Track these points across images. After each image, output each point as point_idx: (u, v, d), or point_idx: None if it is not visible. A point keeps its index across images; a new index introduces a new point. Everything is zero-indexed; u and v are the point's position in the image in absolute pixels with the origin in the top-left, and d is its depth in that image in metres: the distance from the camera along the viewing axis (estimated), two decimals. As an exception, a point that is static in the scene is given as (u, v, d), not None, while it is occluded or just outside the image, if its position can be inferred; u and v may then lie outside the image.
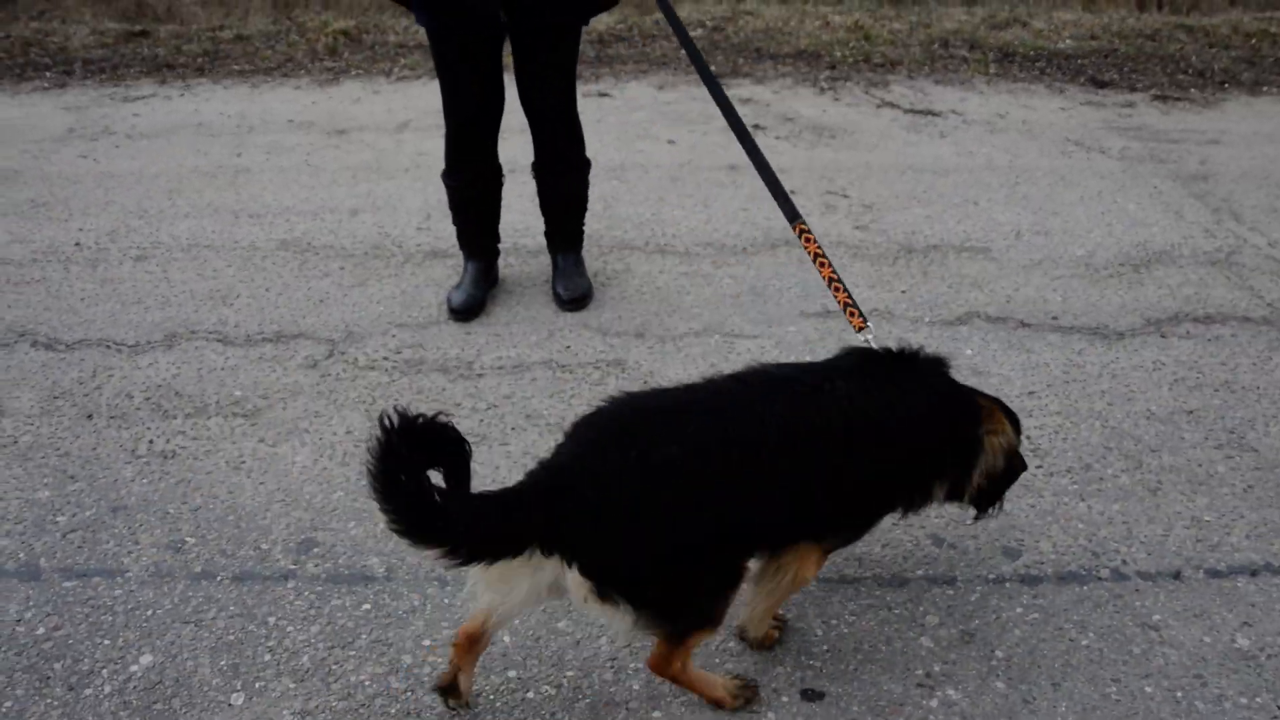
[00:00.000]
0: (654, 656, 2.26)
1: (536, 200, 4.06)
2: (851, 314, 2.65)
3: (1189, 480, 3.19)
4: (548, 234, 4.07)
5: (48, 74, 6.92)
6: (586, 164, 3.96)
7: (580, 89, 6.40)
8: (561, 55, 3.65)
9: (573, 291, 3.98)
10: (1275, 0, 10.24)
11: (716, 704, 2.38)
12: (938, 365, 2.46)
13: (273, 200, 4.96)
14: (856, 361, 2.42)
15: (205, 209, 4.85)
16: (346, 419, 3.40)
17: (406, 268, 4.32)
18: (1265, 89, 6.97)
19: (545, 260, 4.24)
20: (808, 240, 2.76)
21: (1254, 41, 7.99)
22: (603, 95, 6.34)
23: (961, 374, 3.62)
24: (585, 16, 3.61)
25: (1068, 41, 7.89)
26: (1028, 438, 3.30)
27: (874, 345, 2.49)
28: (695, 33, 7.69)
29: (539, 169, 3.93)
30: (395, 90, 6.63)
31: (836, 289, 2.69)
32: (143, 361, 3.69)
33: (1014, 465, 2.57)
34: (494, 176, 3.87)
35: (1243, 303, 4.20)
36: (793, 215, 2.81)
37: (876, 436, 2.26)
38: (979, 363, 3.74)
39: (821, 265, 2.74)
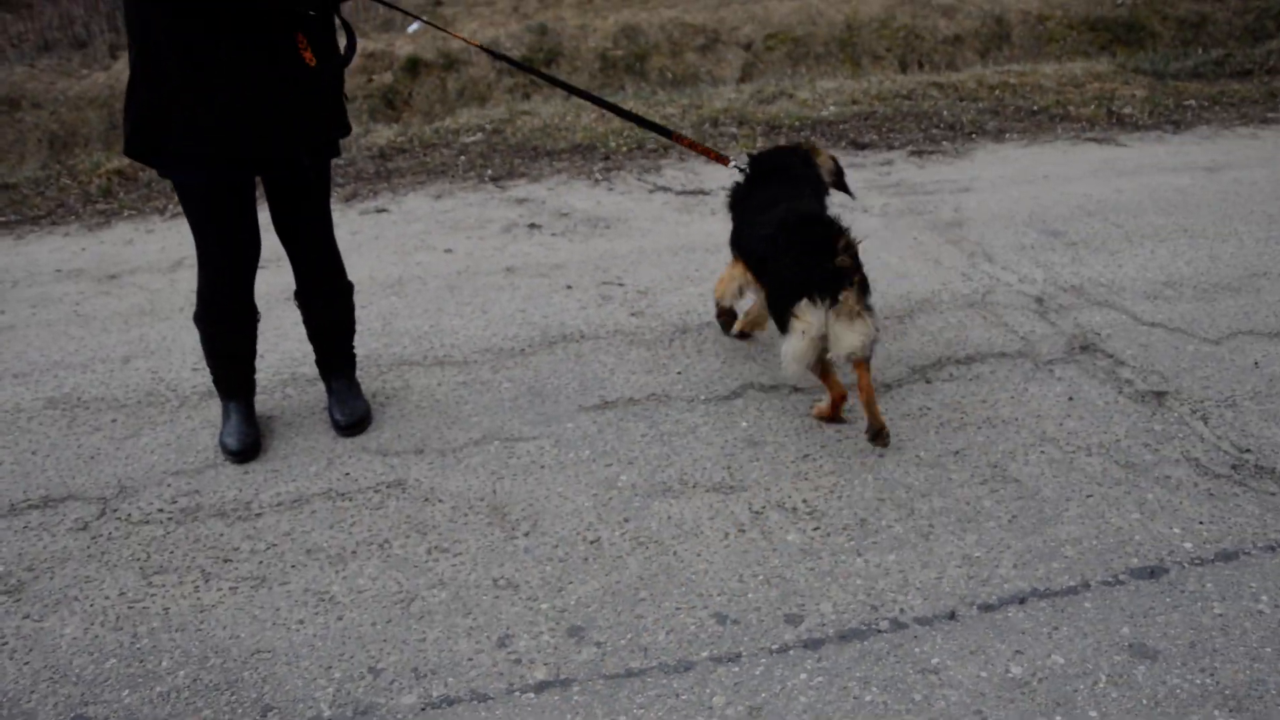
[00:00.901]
0: None
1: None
2: (718, 158, 4.12)
3: (958, 519, 3.34)
4: (318, 361, 4.03)
5: None
6: (349, 288, 3.96)
7: (358, 207, 6.46)
8: (316, 188, 3.69)
9: (350, 416, 3.92)
10: (1014, 56, 11.62)
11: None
12: (781, 150, 4.21)
13: (39, 357, 4.74)
14: (767, 168, 4.07)
15: (-37, 376, 4.60)
16: (120, 580, 3.24)
17: (182, 412, 4.18)
18: (1008, 135, 7.50)
19: (321, 387, 4.17)
20: (679, 139, 4.17)
21: (997, 93, 8.61)
22: (380, 211, 6.33)
23: (738, 445, 3.74)
24: (334, 151, 3.66)
25: (831, 109, 8.32)
26: (804, 500, 3.43)
27: (743, 168, 4.10)
28: (475, 137, 7.79)
29: (303, 298, 3.91)
30: (170, 228, 6.46)
31: (698, 149, 4.14)
32: (-112, 552, 3.44)
33: (839, 169, 4.25)
34: (250, 319, 3.82)
35: (999, 339, 4.46)
36: (666, 134, 4.14)
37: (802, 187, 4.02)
38: (754, 433, 3.83)
39: (691, 146, 4.16)
